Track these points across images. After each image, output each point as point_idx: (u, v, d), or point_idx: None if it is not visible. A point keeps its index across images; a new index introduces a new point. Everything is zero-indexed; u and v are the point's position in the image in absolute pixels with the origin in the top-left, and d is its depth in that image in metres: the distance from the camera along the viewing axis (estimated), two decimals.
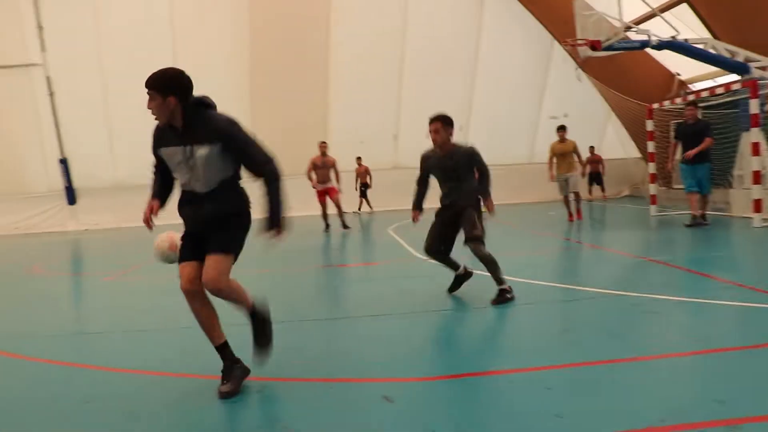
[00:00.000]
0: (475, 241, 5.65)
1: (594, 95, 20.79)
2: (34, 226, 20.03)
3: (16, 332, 5.67)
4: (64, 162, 19.65)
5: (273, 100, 19.28)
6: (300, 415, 3.33)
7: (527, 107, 20.85)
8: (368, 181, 20.21)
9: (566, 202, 13.02)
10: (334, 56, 19.80)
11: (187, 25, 18.99)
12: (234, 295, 3.75)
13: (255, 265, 9.60)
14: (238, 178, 3.83)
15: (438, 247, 5.95)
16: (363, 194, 20.26)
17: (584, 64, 17.98)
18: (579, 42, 14.17)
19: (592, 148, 19.15)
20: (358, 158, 20.05)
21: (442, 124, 5.70)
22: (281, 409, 3.57)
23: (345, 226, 14.05)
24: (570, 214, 13.06)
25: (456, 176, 5.79)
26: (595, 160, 19.00)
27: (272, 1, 19.19)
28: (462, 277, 6.17)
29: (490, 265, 5.72)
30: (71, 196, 20.05)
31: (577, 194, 13.02)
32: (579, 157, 13.22)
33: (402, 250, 10.13)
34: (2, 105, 19.39)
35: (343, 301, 6.78)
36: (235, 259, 3.75)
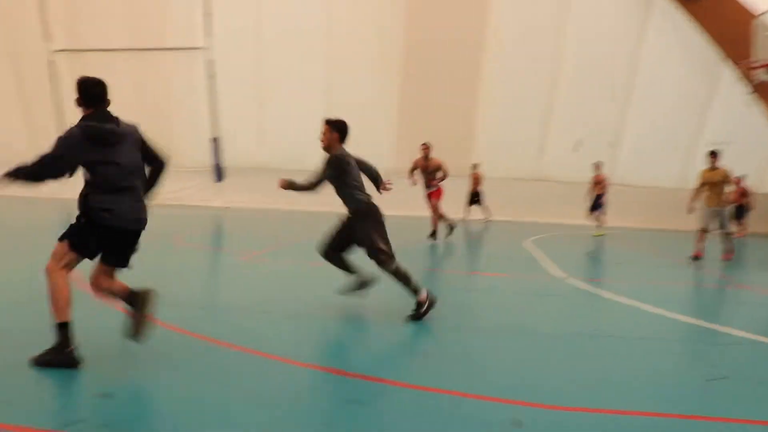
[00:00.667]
0: (377, 259, 5.46)
1: (764, 123, 19.16)
2: (182, 198, 21.36)
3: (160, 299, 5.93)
4: (215, 141, 20.80)
5: (420, 112, 19.33)
6: (423, 427, 3.24)
7: (684, 130, 19.52)
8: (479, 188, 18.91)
9: (701, 236, 11.26)
10: (484, 72, 19.45)
11: (342, 31, 19.50)
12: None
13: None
14: None
15: (329, 249, 5.87)
16: (473, 202, 18.98)
17: (758, 89, 16.60)
18: (757, 64, 13.04)
19: (738, 178, 17.56)
20: (474, 164, 18.87)
21: (329, 127, 5.80)
22: (401, 417, 3.43)
23: (433, 235, 12.66)
24: (699, 251, 11.26)
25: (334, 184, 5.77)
26: (738, 192, 17.47)
27: (428, 17, 19.19)
28: (362, 283, 5.90)
29: (401, 280, 5.44)
30: (219, 174, 21.20)
31: (727, 233, 11.50)
32: (732, 186, 11.92)
33: (536, 265, 9.76)
34: (166, 84, 20.90)
35: (469, 310, 6.56)
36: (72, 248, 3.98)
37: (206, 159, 21.05)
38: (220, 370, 4.00)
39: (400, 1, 18.97)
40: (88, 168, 4.01)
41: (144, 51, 20.97)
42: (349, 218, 5.75)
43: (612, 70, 19.16)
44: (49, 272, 3.98)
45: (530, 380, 4.08)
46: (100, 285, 4.17)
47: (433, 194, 12.79)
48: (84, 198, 4.03)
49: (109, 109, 4.29)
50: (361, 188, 5.76)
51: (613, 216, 17.24)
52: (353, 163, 5.78)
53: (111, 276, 4.23)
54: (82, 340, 3.98)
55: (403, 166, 19.72)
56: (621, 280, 9.01)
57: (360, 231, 5.53)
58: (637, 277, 9.41)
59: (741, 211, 18.00)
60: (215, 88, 20.45)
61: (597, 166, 16.10)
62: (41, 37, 21.52)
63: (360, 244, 5.61)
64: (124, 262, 4.24)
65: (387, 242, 5.57)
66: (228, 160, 21.15)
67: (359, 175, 5.81)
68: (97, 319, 5.04)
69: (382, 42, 19.31)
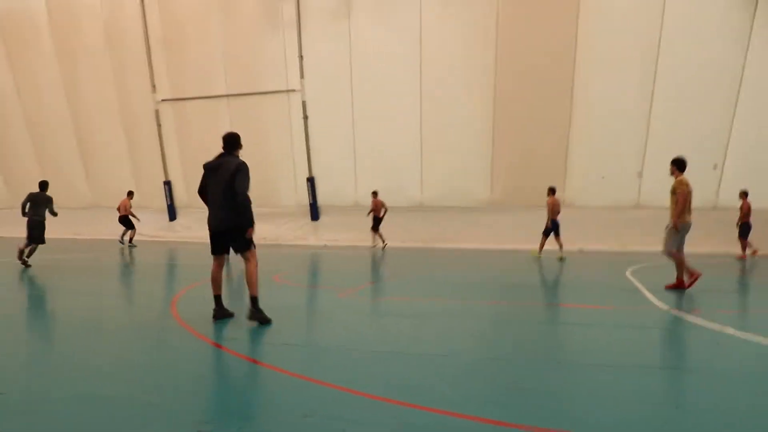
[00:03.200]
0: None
1: None
2: (279, 237, 22.20)
3: (254, 338, 6.24)
4: (311, 180, 21.53)
5: (514, 129, 19.34)
6: None
7: None
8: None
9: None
10: (578, 90, 19.19)
11: (433, 49, 19.77)
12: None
13: (486, 297, 9.74)
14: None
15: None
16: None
17: None
18: None
19: (743, 193, 16.96)
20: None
21: None
22: None
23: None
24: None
25: None
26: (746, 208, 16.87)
27: (519, 32, 19.16)
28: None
29: None
30: (315, 213, 21.90)
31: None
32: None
33: (638, 296, 9.51)
34: (264, 126, 21.93)
35: (569, 344, 6.51)
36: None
37: (303, 198, 21.83)
38: (318, 408, 4.08)
39: (490, 33, 19.09)
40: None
41: (240, 96, 22.15)
42: None
43: (715, 82, 18.40)
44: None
45: (635, 420, 3.99)
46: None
47: None
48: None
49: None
50: None
51: (716, 241, 16.66)
52: None
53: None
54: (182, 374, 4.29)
55: (496, 198, 19.86)
56: (732, 310, 8.66)
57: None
58: (758, 307, 9.02)
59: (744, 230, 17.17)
60: (309, 129, 21.26)
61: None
62: (148, 89, 23.15)
63: None
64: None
65: None
66: (323, 198, 21.84)
67: None
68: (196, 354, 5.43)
69: (473, 75, 19.46)
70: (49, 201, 14.41)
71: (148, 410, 4.01)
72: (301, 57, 20.97)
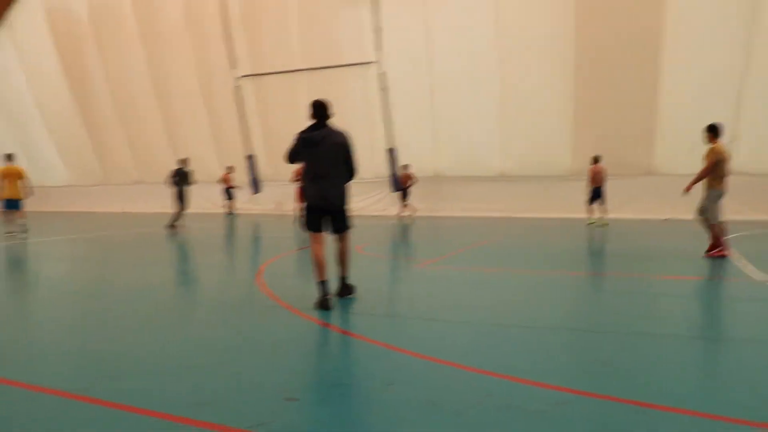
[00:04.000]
0: None
1: None
2: (361, 209, 22.55)
3: (338, 307, 6.41)
4: (391, 152, 21.69)
5: (598, 97, 18.88)
6: None
7: None
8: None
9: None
10: (666, 53, 18.30)
11: (512, 20, 19.45)
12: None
13: (567, 267, 9.74)
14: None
15: None
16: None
17: None
18: None
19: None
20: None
21: None
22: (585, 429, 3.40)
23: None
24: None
25: None
26: None
27: (600, 13, 18.60)
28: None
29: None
30: (396, 184, 22.08)
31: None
32: None
33: (733, 266, 9.26)
34: (342, 99, 22.12)
35: (652, 315, 6.49)
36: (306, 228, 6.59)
37: (383, 170, 22.03)
38: (399, 376, 4.19)
39: (569, 3, 18.66)
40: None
41: (319, 70, 22.43)
42: None
43: None
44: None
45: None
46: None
47: None
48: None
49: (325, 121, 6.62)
50: None
51: None
52: None
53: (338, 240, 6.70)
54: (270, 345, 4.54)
55: (578, 167, 19.50)
56: None
57: None
58: None
59: None
60: (388, 100, 21.36)
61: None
62: (228, 65, 23.73)
63: None
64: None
65: None
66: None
67: None
68: (287, 328, 5.73)
69: (554, 44, 19.03)
70: (187, 175, 17.18)
71: (235, 380, 4.18)
72: (379, 29, 21.01)
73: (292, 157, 6.51)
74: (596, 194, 16.98)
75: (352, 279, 6.85)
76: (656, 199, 18.15)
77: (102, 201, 28.17)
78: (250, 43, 23.38)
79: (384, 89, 21.23)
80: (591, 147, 18.36)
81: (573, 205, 18.82)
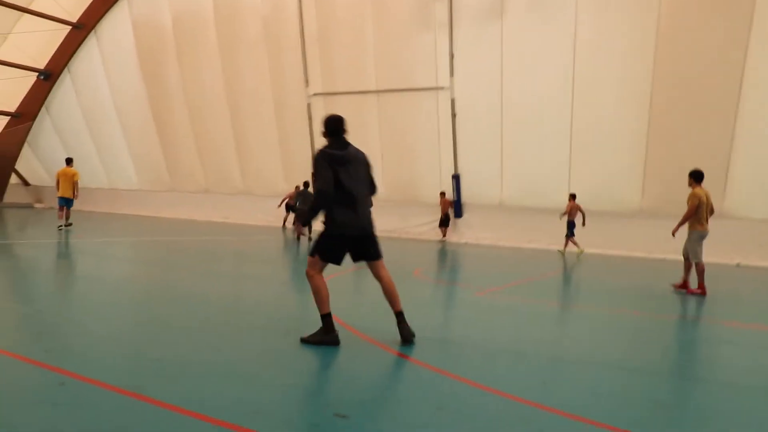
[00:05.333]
0: None
1: None
2: (421, 233, 22.74)
3: (394, 329, 6.53)
4: (456, 178, 21.87)
5: (671, 136, 18.60)
6: None
7: None
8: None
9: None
10: (746, 93, 18.05)
11: (588, 53, 19.41)
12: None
13: (629, 306, 9.67)
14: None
15: None
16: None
17: None
18: None
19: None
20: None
21: None
22: None
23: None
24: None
25: None
26: None
27: (681, 34, 18.26)
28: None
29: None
30: (458, 210, 22.21)
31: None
32: None
33: None
34: (411, 122, 22.50)
35: (715, 362, 6.42)
36: (316, 257, 5.75)
37: (449, 196, 22.18)
38: (450, 402, 4.25)
39: (649, 33, 18.47)
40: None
41: (390, 92, 22.82)
42: None
43: None
44: (308, 276, 5.75)
45: None
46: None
47: None
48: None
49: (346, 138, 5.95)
50: None
51: None
52: None
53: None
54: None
55: (649, 205, 19.21)
56: None
57: None
58: None
59: None
60: (457, 126, 21.57)
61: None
62: (301, 83, 24.38)
63: None
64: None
65: None
66: (468, 196, 22.10)
67: None
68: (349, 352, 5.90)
69: (630, 78, 18.88)
70: (311, 197, 18.04)
71: (288, 392, 4.34)
72: (451, 55, 21.28)
73: (329, 182, 5.58)
74: (570, 226, 18.43)
75: (407, 302, 6.89)
76: (727, 243, 17.70)
77: (168, 207, 29.08)
78: (323, 62, 23.96)
79: (454, 115, 21.45)
80: (662, 185, 18.13)
81: (640, 243, 18.57)
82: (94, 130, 30.94)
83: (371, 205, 6.05)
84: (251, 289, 9.69)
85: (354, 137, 20.13)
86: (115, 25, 29.16)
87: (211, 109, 26.97)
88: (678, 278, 11.32)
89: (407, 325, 5.81)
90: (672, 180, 18.39)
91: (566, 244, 18.71)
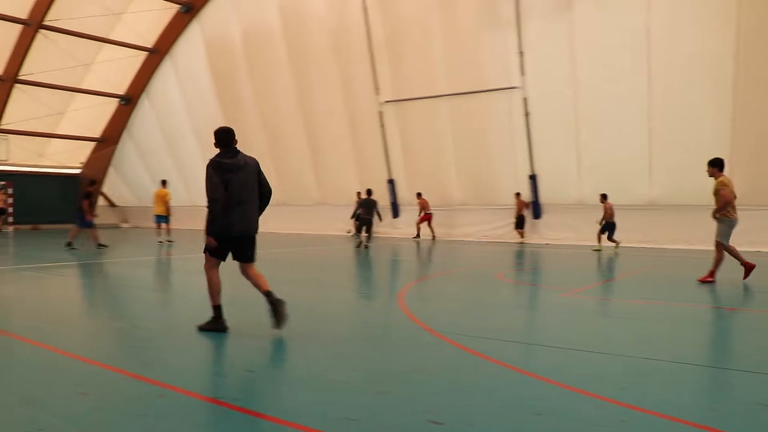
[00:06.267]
0: None
1: None
2: (500, 236, 22.62)
3: (483, 332, 6.63)
4: (533, 178, 21.64)
5: (755, 126, 17.91)
6: None
7: None
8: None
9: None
10: None
11: (663, 40, 18.88)
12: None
13: (719, 303, 9.39)
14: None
15: None
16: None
17: None
18: None
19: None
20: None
21: None
22: None
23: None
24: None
25: None
26: None
27: (765, 15, 17.73)
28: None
29: None
30: (537, 211, 21.97)
31: None
32: None
33: None
34: (484, 124, 22.43)
35: None
36: (206, 254, 6.53)
37: (528, 196, 21.99)
38: (547, 407, 4.27)
39: (730, 17, 17.83)
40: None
41: (461, 95, 22.81)
42: None
43: None
44: (205, 270, 6.58)
45: None
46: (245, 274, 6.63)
47: None
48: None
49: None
50: None
51: None
52: None
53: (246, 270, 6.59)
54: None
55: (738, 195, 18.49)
56: None
57: None
58: None
59: None
60: (531, 126, 21.36)
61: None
62: (372, 91, 24.65)
63: None
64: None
65: None
66: (545, 196, 21.83)
67: None
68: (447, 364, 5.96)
69: (711, 65, 18.23)
70: (375, 204, 18.27)
71: (380, 399, 4.43)
72: (521, 53, 21.11)
73: (218, 189, 6.27)
74: (609, 227, 18.47)
75: (494, 306, 6.89)
76: None
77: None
78: (393, 68, 24.16)
79: (527, 114, 21.26)
80: (748, 175, 17.47)
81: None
82: (173, 149, 32.14)
83: (262, 208, 6.73)
84: (333, 297, 9.90)
85: (427, 142, 20.44)
86: (188, 47, 30.25)
87: (285, 122, 27.58)
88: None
89: (277, 302, 6.36)
90: (761, 170, 17.74)
91: (616, 244, 18.58)
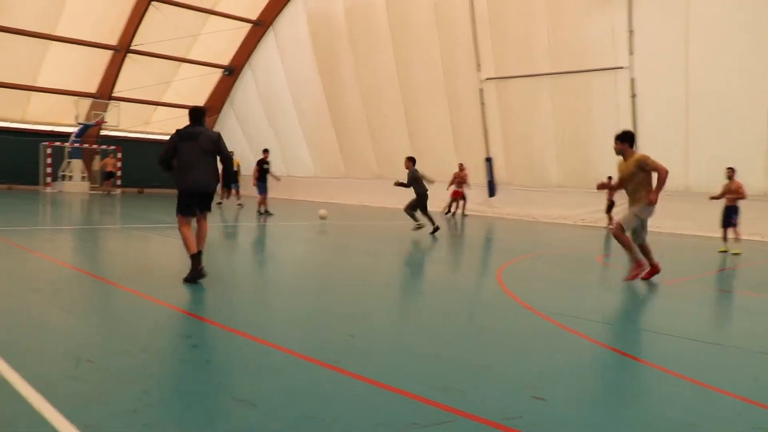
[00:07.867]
0: None
1: None
2: (597, 220, 22.22)
3: (582, 314, 6.59)
4: None
5: None
6: None
7: None
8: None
9: None
10: None
11: None
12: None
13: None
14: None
15: None
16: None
17: None
18: None
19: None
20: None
21: None
22: None
23: None
24: None
25: None
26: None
27: None
28: None
29: None
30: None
31: None
32: None
33: None
34: (588, 105, 22.01)
35: None
36: (179, 215, 7.70)
37: None
38: (653, 392, 4.33)
39: None
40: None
41: (563, 74, 22.45)
42: None
43: None
44: (179, 229, 7.72)
45: None
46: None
47: None
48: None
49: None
50: None
51: None
52: None
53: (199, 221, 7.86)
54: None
55: None
56: None
57: None
58: None
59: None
60: (637, 108, 20.82)
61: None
62: (473, 68, 24.59)
63: None
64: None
65: None
66: None
67: None
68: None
69: None
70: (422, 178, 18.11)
71: (484, 372, 4.54)
72: (630, 32, 20.54)
73: (169, 153, 7.58)
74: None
75: (600, 291, 6.90)
76: None
77: (342, 193, 30.47)
78: (495, 45, 24.01)
79: (634, 96, 20.73)
80: None
81: None
82: (273, 120, 33.12)
83: (227, 171, 8.06)
84: (433, 271, 10.14)
85: (527, 121, 20.28)
86: (291, 19, 31.01)
87: (384, 96, 27.94)
88: None
89: (201, 265, 7.50)
90: None
91: (735, 234, 15.47)
